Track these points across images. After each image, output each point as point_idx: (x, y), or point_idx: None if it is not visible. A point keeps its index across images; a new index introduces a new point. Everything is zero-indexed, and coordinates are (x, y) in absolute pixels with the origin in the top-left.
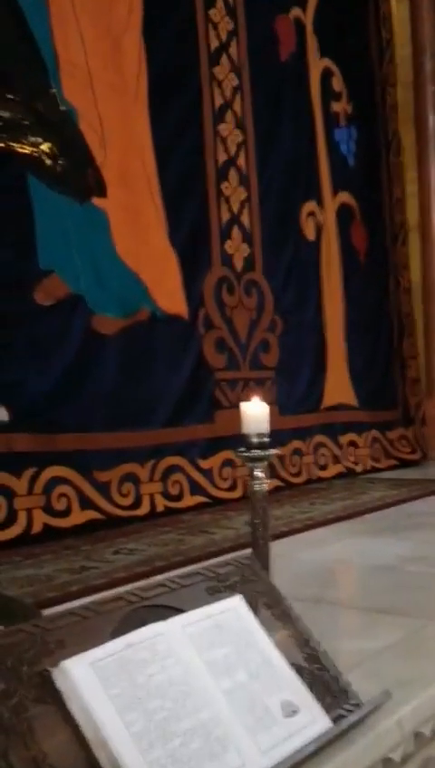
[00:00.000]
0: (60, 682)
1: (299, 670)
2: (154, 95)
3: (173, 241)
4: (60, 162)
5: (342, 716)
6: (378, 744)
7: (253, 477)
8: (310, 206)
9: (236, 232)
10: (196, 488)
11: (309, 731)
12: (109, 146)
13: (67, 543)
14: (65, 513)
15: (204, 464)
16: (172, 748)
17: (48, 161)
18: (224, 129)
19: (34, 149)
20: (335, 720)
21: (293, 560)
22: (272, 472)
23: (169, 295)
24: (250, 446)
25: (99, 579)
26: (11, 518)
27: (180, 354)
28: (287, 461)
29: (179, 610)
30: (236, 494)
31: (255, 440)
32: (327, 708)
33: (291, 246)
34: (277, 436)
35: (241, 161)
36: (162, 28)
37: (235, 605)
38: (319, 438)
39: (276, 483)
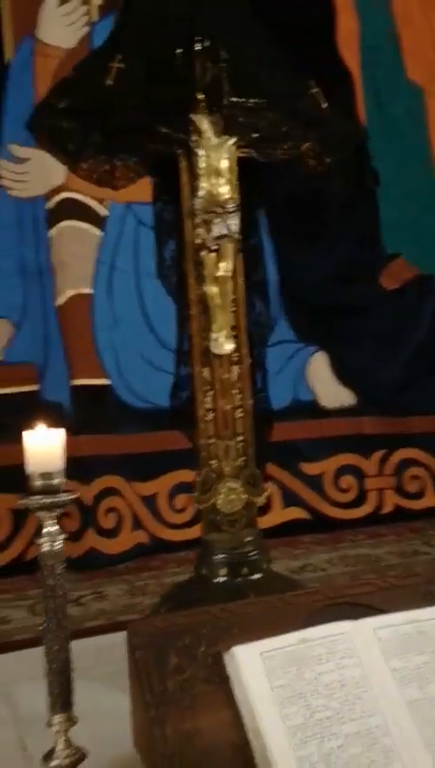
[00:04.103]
0: (228, 665)
1: None
2: None
3: None
4: (324, 161)
5: None
6: None
7: None
8: None
9: None
10: None
11: None
12: None
13: (415, 526)
14: (418, 495)
15: None
16: (328, 748)
17: (311, 161)
18: None
19: (294, 152)
20: None
21: None
22: None
23: None
24: None
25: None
26: (361, 497)
27: None
28: None
29: (383, 611)
30: None
31: None
32: None
33: None
34: None
35: None
36: None
37: None
38: None
39: None
